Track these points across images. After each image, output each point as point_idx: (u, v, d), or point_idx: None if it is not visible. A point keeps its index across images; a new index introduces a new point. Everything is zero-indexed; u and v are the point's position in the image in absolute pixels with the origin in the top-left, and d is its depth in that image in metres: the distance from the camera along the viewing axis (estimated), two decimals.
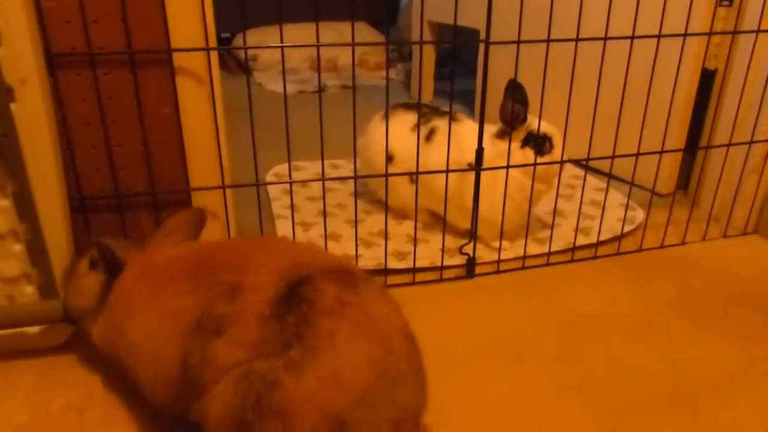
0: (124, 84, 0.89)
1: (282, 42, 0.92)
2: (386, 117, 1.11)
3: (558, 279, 1.13)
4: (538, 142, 1.14)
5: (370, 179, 1.39)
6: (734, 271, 1.16)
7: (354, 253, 1.11)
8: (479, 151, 1.07)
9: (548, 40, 1.02)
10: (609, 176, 1.27)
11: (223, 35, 3.05)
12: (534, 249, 1.21)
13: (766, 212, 1.28)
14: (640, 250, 1.23)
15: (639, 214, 1.35)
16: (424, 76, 2.35)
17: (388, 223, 1.15)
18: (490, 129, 1.15)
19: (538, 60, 1.03)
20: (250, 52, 2.83)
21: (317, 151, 1.01)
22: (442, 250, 1.15)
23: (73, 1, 0.82)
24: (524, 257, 1.17)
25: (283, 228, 1.27)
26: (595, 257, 1.20)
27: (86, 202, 0.93)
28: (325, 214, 1.08)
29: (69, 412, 0.78)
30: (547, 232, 1.24)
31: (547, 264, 1.18)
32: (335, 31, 2.38)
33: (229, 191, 0.99)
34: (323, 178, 1.03)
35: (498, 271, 1.15)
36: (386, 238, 1.14)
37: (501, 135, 1.15)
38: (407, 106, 1.31)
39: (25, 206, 0.80)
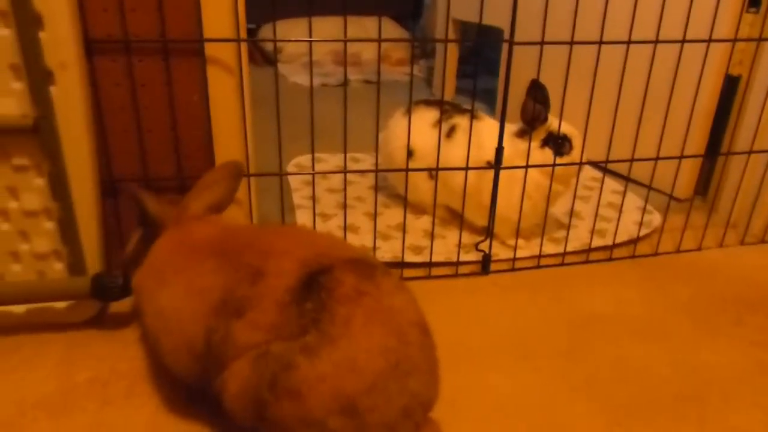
0: (156, 71, 0.92)
1: (310, 35, 0.94)
2: (408, 113, 1.13)
3: (572, 279, 1.14)
4: (558, 143, 1.15)
5: (389, 173, 1.42)
6: (750, 277, 1.16)
7: (372, 245, 1.13)
8: (499, 150, 1.08)
9: (572, 42, 1.03)
10: (627, 179, 1.27)
11: (249, 26, 3.08)
12: (549, 249, 1.22)
13: None
14: (655, 254, 1.24)
15: (656, 218, 1.36)
16: (447, 74, 2.36)
17: (406, 217, 1.17)
18: (511, 128, 1.16)
19: (561, 61, 1.04)
20: (276, 44, 2.85)
21: (338, 143, 1.03)
22: (458, 246, 1.17)
23: None
24: (539, 256, 1.19)
25: (303, 218, 1.29)
26: (610, 259, 1.21)
27: (117, 184, 0.96)
28: (345, 205, 1.10)
29: (93, 384, 0.82)
30: (563, 233, 1.25)
31: (562, 264, 1.19)
32: (359, 25, 2.40)
33: (252, 180, 1.02)
34: (345, 170, 1.05)
35: (513, 269, 1.16)
36: (404, 231, 1.16)
37: (521, 134, 1.16)
38: (429, 103, 1.32)
39: (59, 186, 0.84)
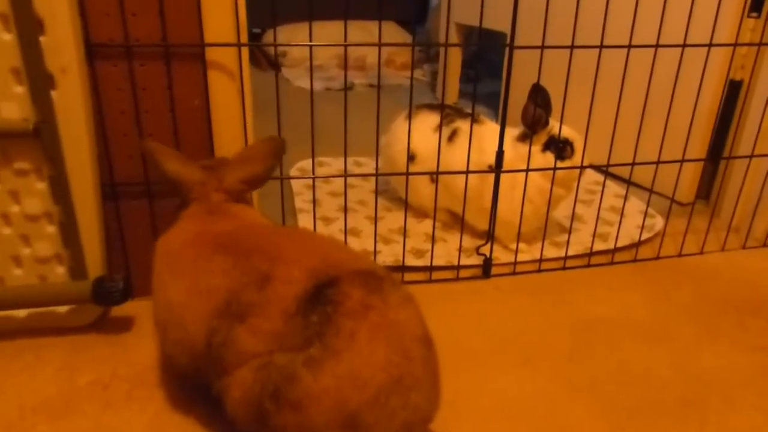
0: (157, 75, 0.92)
1: (311, 40, 0.94)
2: (410, 117, 1.13)
3: (573, 283, 1.14)
4: (559, 147, 1.15)
5: (391, 177, 1.42)
6: (752, 281, 1.16)
7: (373, 248, 1.13)
8: (499, 154, 1.08)
9: (572, 46, 1.03)
10: (629, 183, 1.27)
11: (254, 30, 3.10)
12: (551, 252, 1.22)
13: None
14: (657, 257, 1.23)
15: (658, 222, 1.35)
16: (449, 78, 2.36)
17: (407, 221, 1.17)
18: (512, 132, 1.17)
19: (563, 65, 1.04)
20: (279, 48, 2.86)
21: (341, 147, 1.03)
22: (459, 250, 1.17)
23: None
24: (541, 260, 1.18)
25: (304, 222, 1.29)
26: (611, 263, 1.21)
27: (118, 188, 0.97)
28: (346, 209, 1.10)
29: (94, 388, 0.82)
30: (565, 236, 1.25)
31: (564, 268, 1.19)
32: (364, 29, 2.40)
33: None
34: (345, 174, 1.06)
35: (514, 273, 1.16)
36: (405, 235, 1.16)
37: (522, 138, 1.16)
38: (431, 107, 1.33)
39: (60, 190, 0.84)
